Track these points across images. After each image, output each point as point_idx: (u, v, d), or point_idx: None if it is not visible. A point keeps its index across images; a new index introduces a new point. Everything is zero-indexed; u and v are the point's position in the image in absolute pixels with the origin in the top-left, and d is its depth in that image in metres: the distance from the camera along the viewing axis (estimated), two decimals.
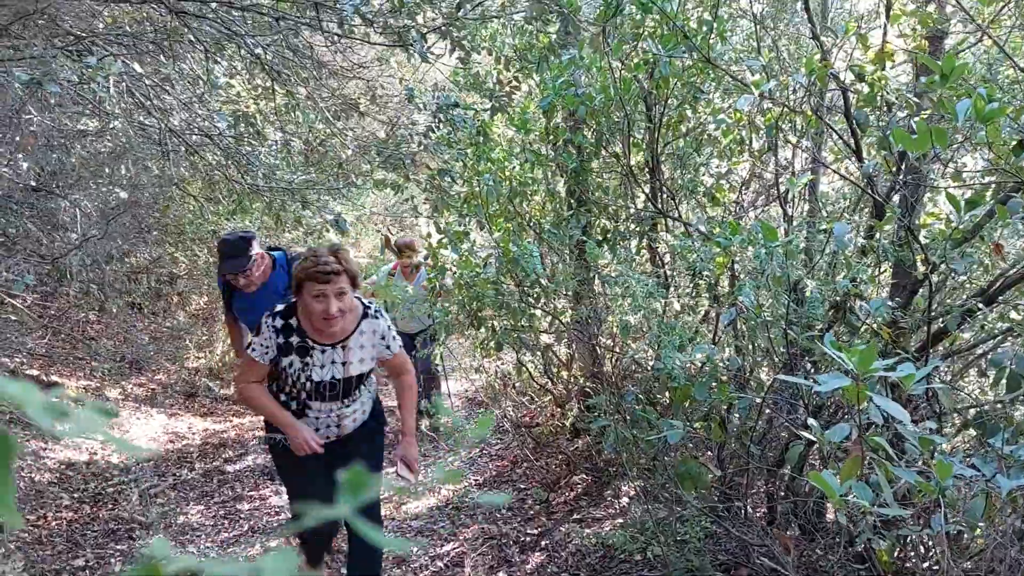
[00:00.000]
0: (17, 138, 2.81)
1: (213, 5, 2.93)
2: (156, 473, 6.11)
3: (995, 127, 2.22)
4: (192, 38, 3.18)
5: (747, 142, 4.76)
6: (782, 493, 3.60)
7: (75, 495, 5.63)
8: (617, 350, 4.94)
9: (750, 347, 3.81)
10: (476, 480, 5.80)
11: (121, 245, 7.28)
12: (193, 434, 7.10)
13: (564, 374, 6.02)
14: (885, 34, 3.03)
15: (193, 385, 8.13)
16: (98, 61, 2.48)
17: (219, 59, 3.87)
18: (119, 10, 3.41)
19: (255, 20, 3.50)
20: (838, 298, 3.00)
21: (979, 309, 3.37)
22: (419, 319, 6.13)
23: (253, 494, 5.84)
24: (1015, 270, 3.44)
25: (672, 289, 4.59)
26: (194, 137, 4.47)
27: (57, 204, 6.07)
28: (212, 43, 3.99)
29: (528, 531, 4.79)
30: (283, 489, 5.98)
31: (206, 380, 8.29)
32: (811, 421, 2.34)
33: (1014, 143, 2.33)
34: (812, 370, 3.44)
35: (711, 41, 3.81)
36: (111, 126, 5.27)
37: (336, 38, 3.45)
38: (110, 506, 5.54)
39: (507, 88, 3.98)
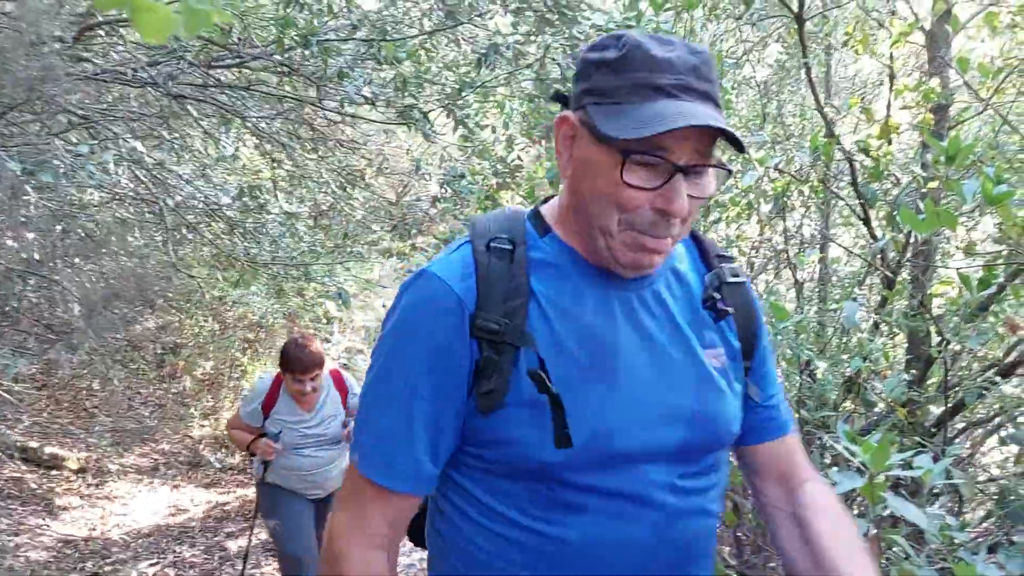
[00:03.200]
0: (14, 220, 2.80)
1: (211, 89, 2.95)
2: (156, 550, 5.98)
3: (1006, 209, 2.17)
4: (195, 114, 3.19)
5: (755, 207, 4.72)
6: None
7: (71, 575, 5.49)
8: None
9: None
10: None
11: (126, 315, 7.27)
12: (196, 506, 6.97)
13: None
14: (889, 107, 3.00)
15: (197, 454, 8.02)
16: (91, 148, 2.47)
17: (222, 134, 3.90)
18: (122, 90, 3.44)
19: (257, 98, 3.52)
20: (851, 375, 2.91)
21: (995, 383, 3.27)
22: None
23: (255, 572, 5.69)
24: None
25: None
26: (199, 206, 4.47)
27: (62, 275, 6.07)
28: (217, 119, 4.02)
29: None
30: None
31: (210, 450, 8.18)
32: None
33: None
34: (829, 444, 3.32)
35: None
36: (114, 201, 5.28)
37: (339, 116, 3.48)
38: None
39: (511, 166, 3.97)
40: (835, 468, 1.75)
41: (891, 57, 3.13)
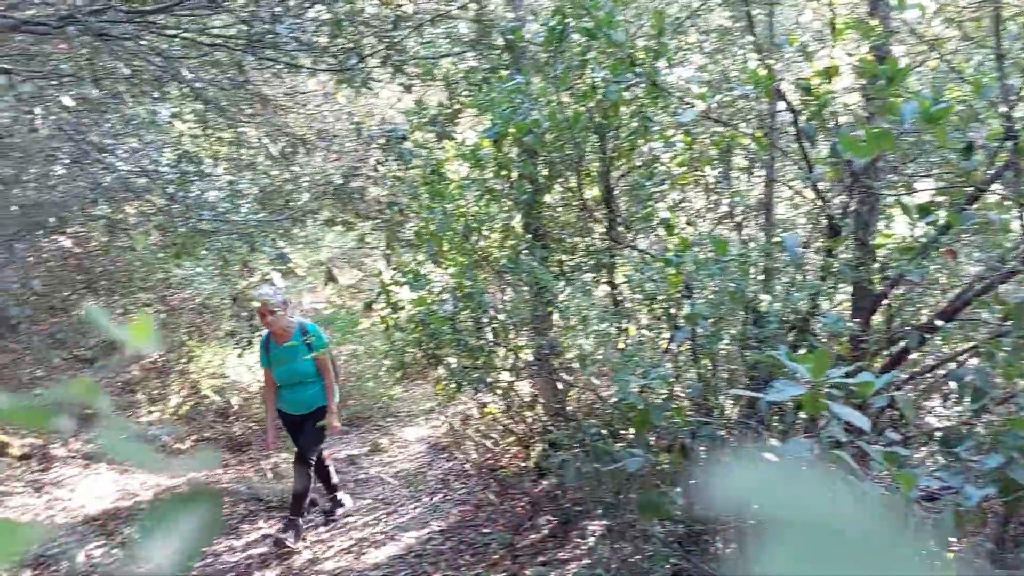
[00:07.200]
0: None
1: (141, 37, 2.82)
2: (103, 533, 5.82)
3: (942, 130, 2.18)
4: (125, 69, 3.06)
5: (700, 170, 4.73)
6: (751, 522, 3.47)
7: (15, 558, 5.33)
8: (578, 384, 4.82)
9: (712, 373, 3.72)
10: (440, 526, 5.60)
11: (68, 296, 7.05)
12: (145, 490, 6.81)
13: (528, 414, 5.87)
14: (833, 48, 3.01)
15: (146, 439, 7.83)
16: (9, 79, 2.35)
17: (159, 96, 3.75)
18: (49, 45, 3.29)
19: (190, 50, 3.38)
20: (795, 316, 2.92)
21: (938, 327, 3.32)
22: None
23: (204, 550, 5.58)
24: (974, 288, 3.41)
25: (631, 320, 4.50)
26: (139, 180, 4.33)
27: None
28: (151, 81, 3.88)
29: None
30: (236, 544, 5.79)
31: (160, 434, 7.99)
32: (775, 443, 2.25)
33: (963, 147, 2.29)
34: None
35: (658, 66, 3.78)
36: (56, 172, 5.10)
37: (272, 64, 3.36)
38: (53, 568, 5.26)
39: (451, 111, 3.89)
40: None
41: (831, 2, 3.14)
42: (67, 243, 6.19)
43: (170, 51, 3.12)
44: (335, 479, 5.89)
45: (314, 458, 5.45)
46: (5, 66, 3.09)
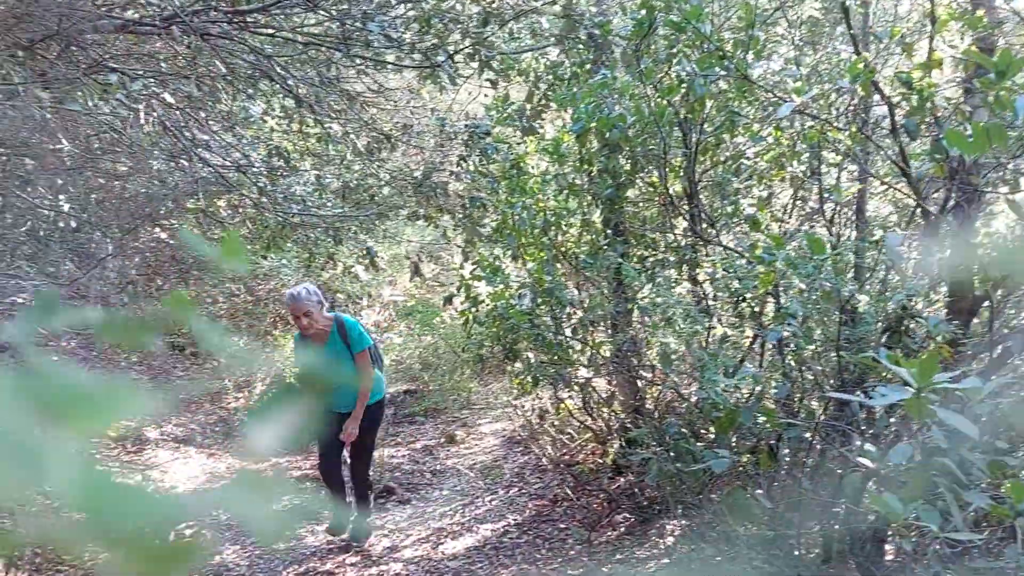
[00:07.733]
0: (40, 162, 2.77)
1: (238, 37, 2.92)
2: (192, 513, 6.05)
3: None
4: (222, 67, 3.17)
5: (786, 165, 4.62)
6: (836, 527, 3.39)
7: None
8: (658, 382, 4.78)
9: (799, 373, 3.63)
10: (516, 520, 5.64)
11: (161, 285, 7.34)
12: (232, 474, 7.05)
13: (605, 410, 5.85)
14: (932, 40, 2.89)
15: (232, 425, 8.11)
16: (120, 78, 2.47)
17: (252, 93, 3.88)
18: (150, 44, 3.44)
19: (283, 47, 3.48)
20: (892, 316, 2.83)
21: None
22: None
23: (288, 534, 5.74)
24: None
25: (715, 318, 4.44)
26: (233, 175, 4.47)
27: (101, 246, 6.13)
28: (245, 78, 4.01)
29: (569, 572, 4.60)
30: (319, 529, 5.92)
31: (246, 419, 8.27)
32: (868, 447, 2.19)
33: None
34: (867, 397, 3.24)
35: (747, 59, 3.71)
36: (152, 167, 5.32)
37: (362, 62, 3.42)
38: None
39: (536, 106, 3.90)
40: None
41: None
42: (162, 234, 6.45)
43: (263, 49, 3.22)
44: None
45: (369, 466, 5.43)
46: (113, 65, 3.23)
